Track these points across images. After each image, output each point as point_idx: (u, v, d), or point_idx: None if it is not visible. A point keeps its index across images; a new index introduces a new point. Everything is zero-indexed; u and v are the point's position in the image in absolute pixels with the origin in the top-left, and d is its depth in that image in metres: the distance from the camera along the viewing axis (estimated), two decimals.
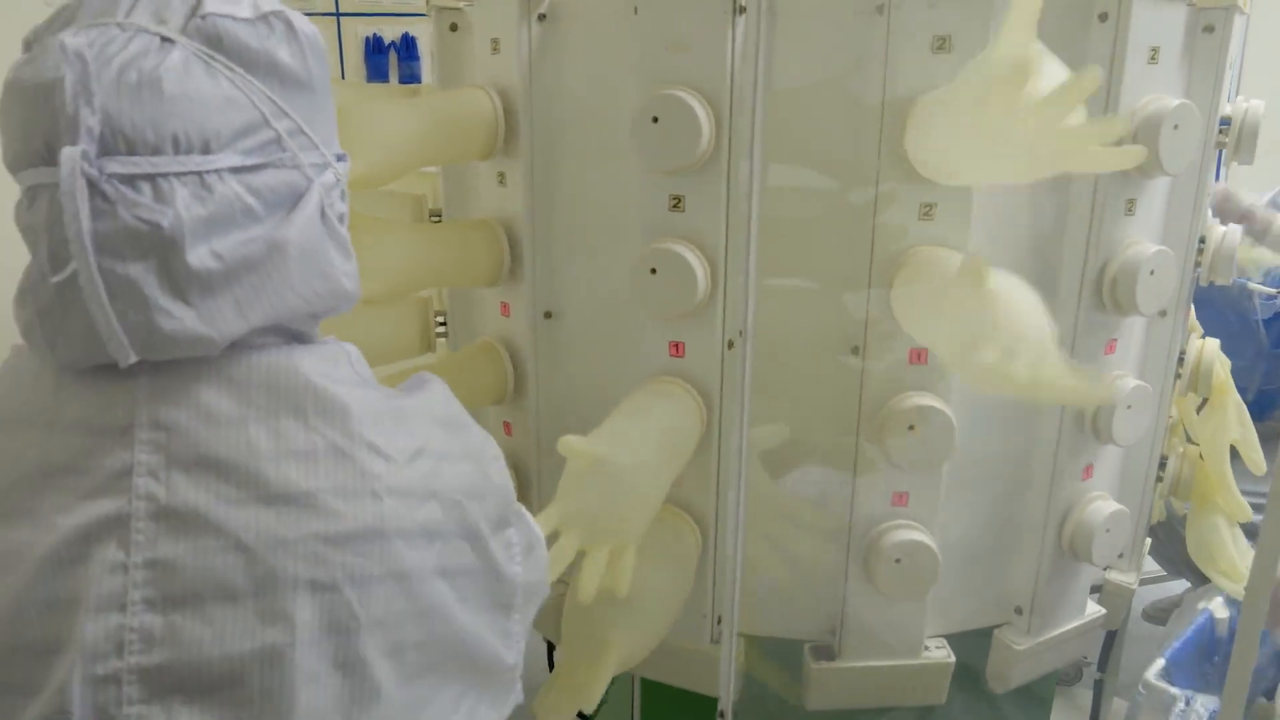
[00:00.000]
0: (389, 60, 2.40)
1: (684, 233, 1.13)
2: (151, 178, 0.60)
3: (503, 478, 0.78)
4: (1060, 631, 1.34)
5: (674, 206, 1.14)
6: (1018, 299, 0.91)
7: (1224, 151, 1.32)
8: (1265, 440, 1.43)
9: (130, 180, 0.60)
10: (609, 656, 1.05)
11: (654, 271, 1.12)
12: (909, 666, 1.26)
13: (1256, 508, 1.39)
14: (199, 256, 0.61)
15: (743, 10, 1.09)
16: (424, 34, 2.29)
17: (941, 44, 1.05)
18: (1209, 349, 1.37)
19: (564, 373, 1.34)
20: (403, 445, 0.68)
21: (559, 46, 1.22)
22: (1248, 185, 1.70)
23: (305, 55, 0.68)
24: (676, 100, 1.06)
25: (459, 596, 0.70)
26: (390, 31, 2.38)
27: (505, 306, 1.36)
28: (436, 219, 1.52)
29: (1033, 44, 0.80)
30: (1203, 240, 1.34)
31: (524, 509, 0.82)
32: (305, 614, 0.62)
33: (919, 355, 1.14)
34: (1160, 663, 1.58)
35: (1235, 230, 1.32)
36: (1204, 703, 1.52)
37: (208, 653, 0.60)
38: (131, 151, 0.60)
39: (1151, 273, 1.15)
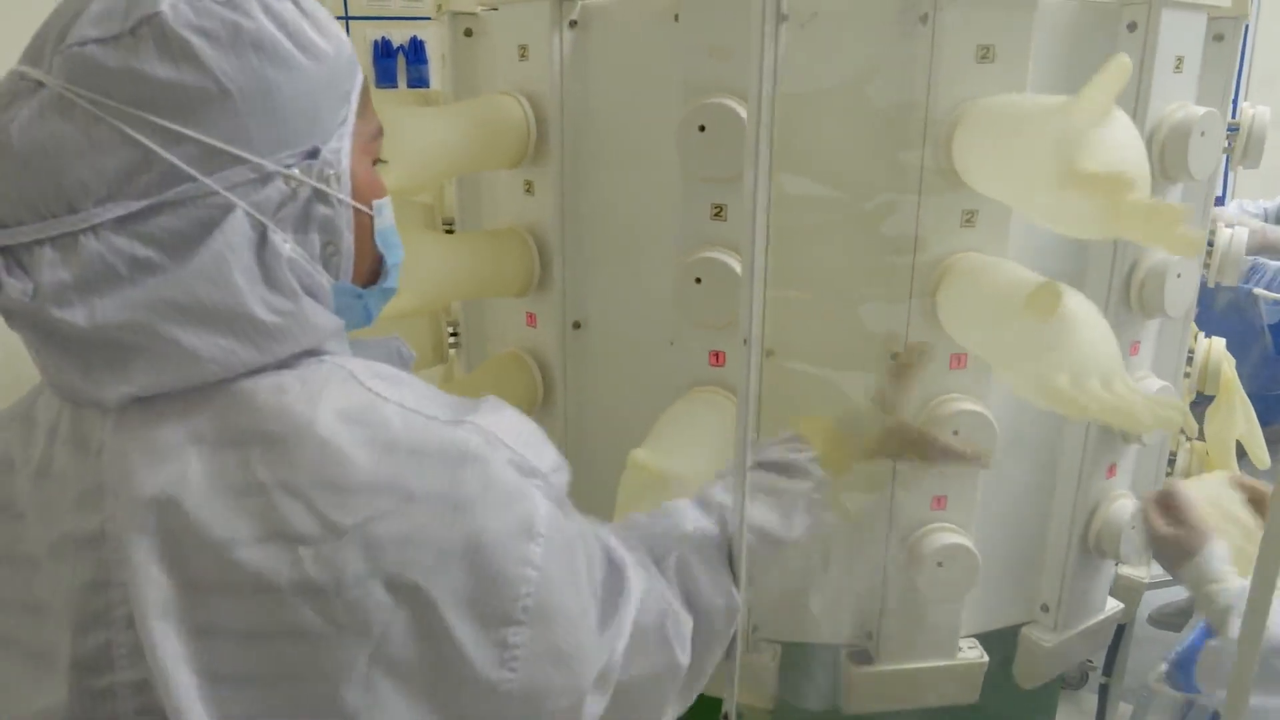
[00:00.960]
0: (397, 64, 2.36)
1: (726, 242, 1.13)
2: (29, 246, 0.58)
3: (517, 566, 0.62)
4: (1084, 627, 1.37)
5: (716, 215, 1.13)
6: (1087, 319, 0.92)
7: (1229, 157, 1.36)
8: (1268, 445, 1.47)
9: (6, 251, 0.59)
10: None
11: (699, 281, 1.12)
12: (945, 667, 1.28)
13: None
14: (68, 321, 0.58)
15: (785, 18, 1.09)
16: (433, 38, 2.26)
17: (985, 53, 1.06)
18: (1216, 348, 1.42)
19: (592, 383, 1.33)
20: (358, 505, 0.58)
21: (590, 53, 1.20)
22: (1250, 189, 1.77)
23: (200, 59, 0.58)
24: (725, 109, 1.06)
25: (395, 687, 0.59)
26: (399, 35, 2.34)
27: (531, 317, 1.34)
28: (449, 228, 1.49)
29: (1111, 110, 0.81)
30: (1210, 243, 1.39)
31: (611, 618, 0.71)
32: (184, 664, 0.57)
33: (959, 360, 1.16)
34: (1163, 667, 1.60)
35: (1242, 232, 1.36)
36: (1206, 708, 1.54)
37: (183, 670, 0.58)
38: (1, 225, 0.59)
39: (1179, 276, 1.18)
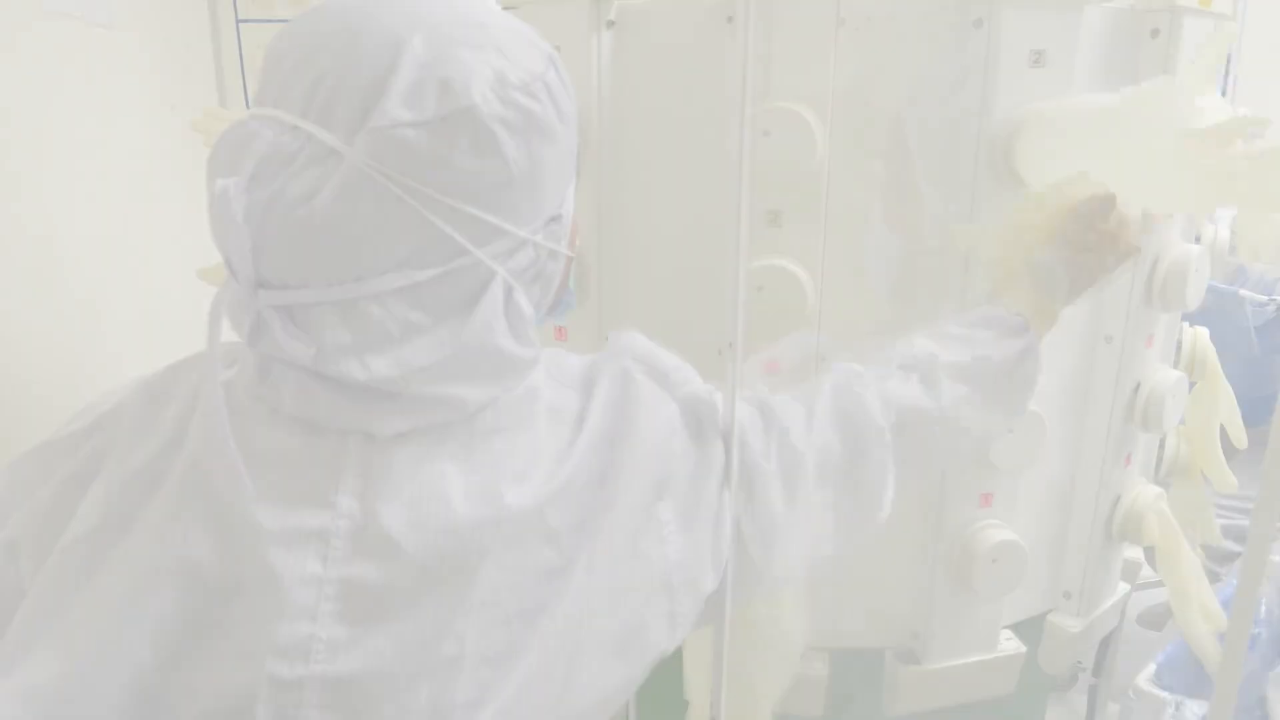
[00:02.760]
0: None
1: (782, 248, 1.11)
2: (305, 306, 0.61)
3: (660, 455, 0.73)
4: (1101, 610, 1.42)
5: (771, 222, 1.11)
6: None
7: None
8: (1255, 446, 1.53)
9: (282, 309, 0.61)
10: (764, 704, 1.01)
11: (760, 289, 1.10)
12: (987, 661, 1.30)
13: (1244, 511, 1.51)
14: (344, 373, 0.61)
15: (842, 22, 1.08)
16: None
17: (1038, 58, 1.08)
18: (1201, 337, 1.50)
19: None
20: (571, 470, 0.69)
21: (629, 55, 1.16)
22: None
23: (501, 151, 0.61)
24: (791, 114, 1.04)
25: (599, 585, 0.69)
26: None
27: (560, 330, 1.28)
28: None
29: (1210, 89, 0.84)
30: (1197, 239, 1.46)
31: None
32: (473, 634, 0.63)
33: None
34: (1152, 668, 1.65)
35: (1225, 230, 1.44)
36: (1194, 708, 1.61)
37: (387, 669, 0.61)
38: (283, 285, 0.61)
39: (1196, 271, 1.24)
